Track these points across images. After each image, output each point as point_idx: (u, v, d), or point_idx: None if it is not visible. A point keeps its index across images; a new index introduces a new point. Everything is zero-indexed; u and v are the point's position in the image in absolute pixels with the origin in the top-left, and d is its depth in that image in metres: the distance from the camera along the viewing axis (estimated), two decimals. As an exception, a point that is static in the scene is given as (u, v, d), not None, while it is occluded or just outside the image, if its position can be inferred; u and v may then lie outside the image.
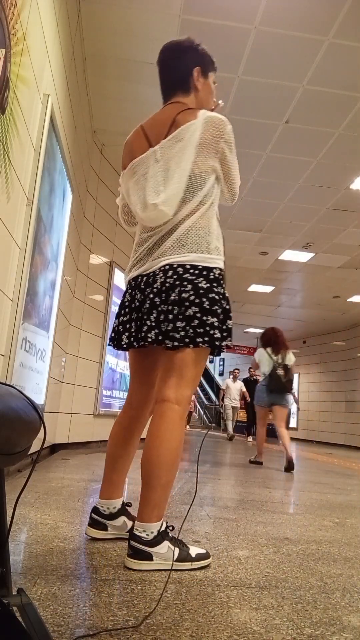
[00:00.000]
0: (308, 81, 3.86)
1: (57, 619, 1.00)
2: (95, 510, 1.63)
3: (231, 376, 10.95)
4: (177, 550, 1.37)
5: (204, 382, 22.15)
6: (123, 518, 1.63)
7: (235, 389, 10.77)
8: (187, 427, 13.73)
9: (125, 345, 1.59)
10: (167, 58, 1.66)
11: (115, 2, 3.27)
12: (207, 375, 22.67)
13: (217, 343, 1.45)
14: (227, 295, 1.55)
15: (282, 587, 1.33)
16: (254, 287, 10.04)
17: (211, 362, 23.39)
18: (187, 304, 1.43)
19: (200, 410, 19.31)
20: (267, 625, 1.06)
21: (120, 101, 4.33)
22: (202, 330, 1.43)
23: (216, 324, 1.44)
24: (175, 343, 1.44)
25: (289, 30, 3.39)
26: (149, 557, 1.35)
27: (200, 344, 1.44)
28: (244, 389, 10.80)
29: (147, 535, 1.36)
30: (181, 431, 1.43)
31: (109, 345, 1.75)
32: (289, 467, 4.56)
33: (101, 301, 5.21)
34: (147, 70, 3.88)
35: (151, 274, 1.53)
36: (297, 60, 3.66)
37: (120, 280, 5.58)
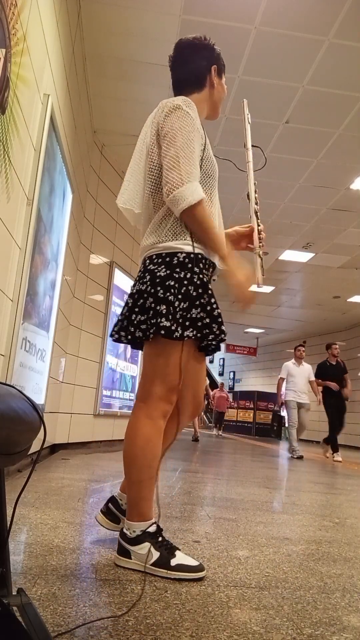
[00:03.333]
0: (308, 81, 3.86)
1: (57, 619, 1.00)
2: (113, 500, 1.59)
3: (293, 360, 7.39)
4: (156, 555, 1.33)
5: (204, 382, 22.13)
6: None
7: (302, 376, 7.44)
8: (219, 431, 13.24)
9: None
10: (182, 54, 1.59)
11: (115, 2, 3.27)
12: (208, 375, 22.67)
13: (173, 334, 1.34)
14: (197, 280, 1.40)
15: (282, 587, 1.33)
16: (254, 287, 10.03)
17: (211, 362, 23.41)
18: (145, 295, 1.40)
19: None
20: (267, 625, 1.06)
21: (120, 101, 4.33)
22: (153, 320, 1.37)
23: (164, 311, 1.35)
24: (129, 337, 1.44)
25: (289, 30, 3.39)
26: (127, 554, 1.36)
27: (151, 336, 1.38)
28: (313, 377, 7.42)
29: (130, 533, 1.36)
30: (146, 429, 1.39)
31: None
32: None
33: (101, 301, 5.21)
34: (147, 70, 3.88)
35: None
36: (297, 60, 3.66)
37: (120, 280, 5.58)
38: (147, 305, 1.39)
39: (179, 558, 1.34)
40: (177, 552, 1.36)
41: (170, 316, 1.35)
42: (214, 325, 1.41)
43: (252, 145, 1.62)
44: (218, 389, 13.57)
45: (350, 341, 13.23)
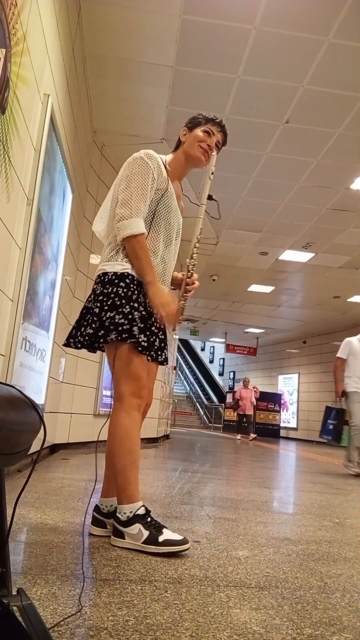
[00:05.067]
0: (308, 81, 3.86)
1: (57, 619, 1.00)
2: (96, 508, 1.74)
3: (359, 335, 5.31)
4: (147, 533, 1.52)
5: (204, 382, 22.16)
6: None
7: None
8: (252, 435, 11.74)
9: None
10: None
11: (115, 2, 3.27)
12: (207, 375, 22.68)
13: (100, 339, 1.62)
14: (122, 292, 1.63)
15: (282, 587, 1.33)
16: (254, 287, 10.05)
17: (211, 362, 23.41)
18: (91, 311, 1.69)
19: (200, 410, 19.29)
20: (267, 625, 1.06)
21: (120, 101, 4.33)
22: (88, 330, 1.69)
23: (89, 320, 1.67)
24: (79, 345, 1.75)
25: (289, 30, 3.38)
26: (121, 535, 1.56)
27: (80, 343, 1.72)
28: None
29: (121, 515, 1.56)
30: (122, 421, 1.61)
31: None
32: None
33: (101, 301, 5.20)
34: (147, 70, 3.88)
35: None
36: (297, 60, 3.66)
37: (120, 280, 5.58)
38: (88, 319, 1.68)
39: (166, 535, 1.54)
40: (164, 530, 1.55)
41: (94, 324, 1.63)
42: (133, 330, 1.60)
43: (209, 198, 1.77)
44: (242, 387, 11.90)
45: (350, 341, 13.21)
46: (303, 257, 7.91)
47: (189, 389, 21.78)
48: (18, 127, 2.07)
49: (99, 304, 1.64)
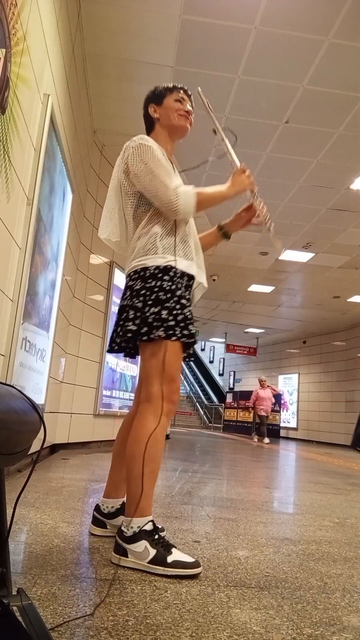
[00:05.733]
0: (308, 81, 3.86)
1: (57, 619, 1.00)
2: (96, 508, 1.71)
3: None
4: (153, 552, 1.36)
5: (204, 382, 22.16)
6: (122, 517, 1.62)
7: None
8: (263, 439, 10.57)
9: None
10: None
11: (115, 2, 3.27)
12: (207, 375, 22.68)
13: (142, 336, 1.51)
14: (166, 286, 1.54)
15: (282, 587, 1.33)
16: (254, 287, 10.04)
17: (211, 362, 23.40)
18: (127, 309, 1.58)
19: (201, 410, 19.29)
20: (267, 625, 1.06)
21: (120, 101, 4.33)
22: (127, 326, 1.56)
23: (131, 316, 1.54)
24: (116, 347, 1.65)
25: (289, 30, 3.38)
26: (124, 552, 1.39)
27: (123, 341, 1.58)
28: None
29: (127, 530, 1.40)
30: (149, 424, 1.47)
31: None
32: None
33: (101, 301, 5.21)
34: (147, 70, 3.88)
35: None
36: (297, 60, 3.66)
37: (120, 280, 5.58)
38: (129, 316, 1.56)
39: (175, 555, 1.37)
40: (174, 550, 1.38)
41: (137, 320, 1.52)
42: (176, 328, 1.52)
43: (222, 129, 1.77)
44: (260, 387, 11.25)
45: (350, 341, 13.23)
46: (303, 257, 7.91)
47: (189, 389, 21.77)
48: (18, 127, 2.07)
49: (141, 299, 1.54)
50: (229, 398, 17.05)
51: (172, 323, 1.51)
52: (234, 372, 20.77)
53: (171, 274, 1.56)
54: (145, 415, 1.50)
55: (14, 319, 2.21)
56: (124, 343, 1.60)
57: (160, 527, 1.58)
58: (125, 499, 1.65)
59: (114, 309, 5.45)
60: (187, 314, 1.55)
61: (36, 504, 2.10)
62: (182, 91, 1.78)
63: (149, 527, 1.40)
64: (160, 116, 1.77)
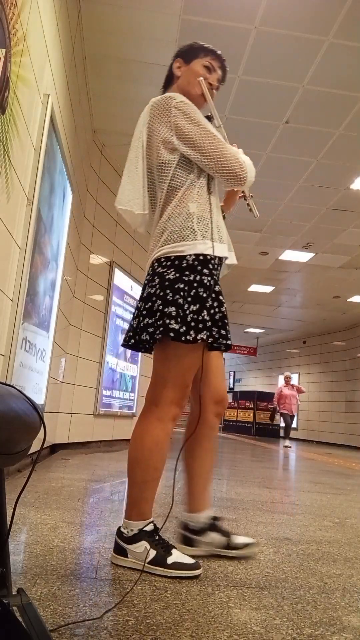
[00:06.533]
0: (308, 81, 3.86)
1: (57, 619, 0.99)
2: (182, 525, 1.58)
3: None
4: (153, 553, 1.34)
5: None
6: (212, 534, 1.54)
7: None
8: (288, 442, 9.62)
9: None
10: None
11: (115, 2, 3.27)
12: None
13: (183, 337, 1.34)
14: (206, 281, 1.40)
15: (282, 587, 1.33)
16: (254, 287, 10.04)
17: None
18: (153, 298, 1.41)
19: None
20: (267, 625, 1.06)
21: (120, 101, 4.33)
22: (160, 322, 1.37)
23: (174, 313, 1.35)
24: (132, 341, 1.46)
25: (289, 30, 3.38)
26: (123, 552, 1.37)
27: (159, 337, 1.37)
28: None
29: (127, 532, 1.38)
30: (156, 431, 1.40)
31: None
32: None
33: (101, 301, 5.21)
34: (147, 70, 3.88)
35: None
36: (297, 60, 3.66)
37: (120, 280, 5.58)
38: (155, 307, 1.39)
39: (176, 556, 1.35)
40: (174, 551, 1.37)
41: (179, 319, 1.35)
42: (214, 328, 1.41)
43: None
44: (283, 384, 10.35)
45: (350, 341, 13.23)
46: (303, 257, 7.91)
47: (189, 389, 21.75)
48: (18, 127, 2.07)
49: (181, 293, 1.37)
50: (229, 398, 17.05)
51: (209, 324, 1.38)
52: (234, 372, 20.76)
53: (210, 266, 1.42)
54: (149, 420, 1.42)
55: (14, 319, 2.21)
56: (146, 336, 1.42)
57: (215, 517, 1.54)
58: (210, 512, 1.59)
59: (114, 309, 5.44)
60: (225, 311, 1.43)
61: (36, 504, 2.10)
62: (218, 60, 1.59)
63: (149, 527, 1.38)
64: (182, 75, 1.59)
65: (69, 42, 3.15)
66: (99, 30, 3.54)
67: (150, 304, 1.41)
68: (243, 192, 1.71)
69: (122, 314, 5.71)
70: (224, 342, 1.44)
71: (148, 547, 1.35)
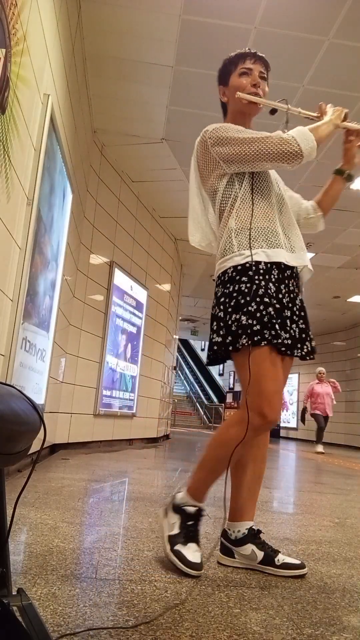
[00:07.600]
0: (308, 81, 3.86)
1: (57, 619, 0.99)
2: (223, 533, 1.55)
3: None
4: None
5: (204, 382, 22.15)
6: (251, 547, 1.48)
7: None
8: (320, 446, 8.69)
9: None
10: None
11: (115, 2, 3.27)
12: (207, 375, 22.68)
13: (229, 346, 1.40)
14: (244, 288, 1.40)
15: (282, 587, 1.33)
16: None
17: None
18: (212, 319, 1.51)
19: (201, 410, 19.29)
20: (267, 625, 1.06)
21: (120, 101, 4.33)
22: (210, 339, 1.51)
23: (215, 327, 1.47)
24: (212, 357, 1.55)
25: (289, 30, 3.38)
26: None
27: (210, 357, 1.53)
28: None
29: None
30: (231, 434, 1.39)
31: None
32: None
33: (101, 301, 5.21)
34: (147, 70, 3.88)
35: None
36: (297, 60, 3.66)
37: (120, 280, 5.58)
38: (213, 327, 1.49)
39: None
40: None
41: (222, 330, 1.43)
42: (265, 331, 1.36)
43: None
44: (316, 382, 8.96)
45: (350, 341, 13.23)
46: (303, 257, 7.90)
47: (189, 389, 21.77)
48: (18, 127, 2.07)
49: (222, 307, 1.44)
50: (229, 398, 17.04)
51: (257, 327, 1.35)
52: (234, 372, 20.77)
53: (250, 273, 1.41)
54: (233, 422, 1.43)
55: (14, 319, 2.21)
56: (218, 353, 1.48)
57: (256, 529, 1.52)
58: (252, 523, 1.54)
59: (114, 309, 5.45)
60: (272, 312, 1.37)
61: (36, 504, 2.10)
62: (250, 57, 1.58)
63: (190, 510, 1.45)
64: (229, 99, 1.60)
65: (69, 42, 3.15)
66: (99, 30, 3.54)
67: (214, 323, 1.49)
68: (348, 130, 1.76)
69: (122, 314, 5.71)
70: (279, 341, 1.37)
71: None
